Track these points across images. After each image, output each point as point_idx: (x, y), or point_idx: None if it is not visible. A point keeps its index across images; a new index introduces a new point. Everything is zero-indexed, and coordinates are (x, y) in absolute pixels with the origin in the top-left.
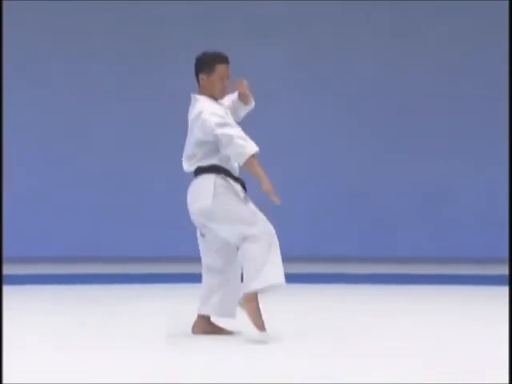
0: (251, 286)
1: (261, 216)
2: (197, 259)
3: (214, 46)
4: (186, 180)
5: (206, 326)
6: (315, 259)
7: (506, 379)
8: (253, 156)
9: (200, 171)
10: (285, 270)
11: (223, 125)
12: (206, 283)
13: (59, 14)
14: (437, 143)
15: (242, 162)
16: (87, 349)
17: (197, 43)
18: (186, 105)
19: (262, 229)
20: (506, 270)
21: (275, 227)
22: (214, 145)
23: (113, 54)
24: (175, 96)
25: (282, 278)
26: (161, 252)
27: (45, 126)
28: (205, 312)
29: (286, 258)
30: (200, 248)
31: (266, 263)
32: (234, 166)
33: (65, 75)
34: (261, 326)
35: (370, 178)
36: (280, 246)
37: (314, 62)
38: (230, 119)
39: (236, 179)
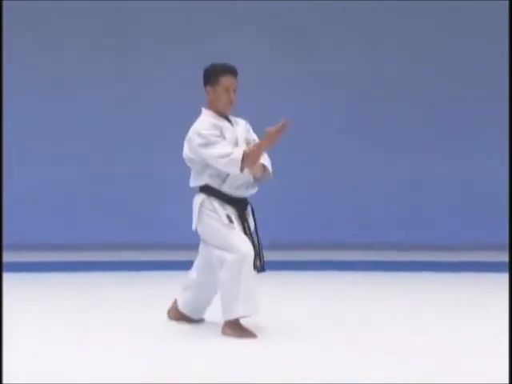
0: (227, 315)
1: (240, 242)
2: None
3: (202, 35)
4: (171, 165)
5: (178, 313)
6: (309, 247)
7: (506, 379)
8: (243, 159)
9: (196, 190)
10: (278, 257)
11: (205, 145)
12: (190, 276)
13: None
14: (431, 138)
15: (239, 171)
16: (78, 341)
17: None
18: (166, 91)
19: (237, 257)
20: (505, 257)
21: (268, 216)
22: (204, 163)
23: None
24: (157, 83)
25: (254, 309)
26: (146, 239)
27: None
28: (178, 302)
29: (280, 246)
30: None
31: (238, 294)
32: (228, 185)
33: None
34: (252, 335)
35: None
36: (278, 236)
37: (300, 57)
38: (215, 134)
39: (230, 200)
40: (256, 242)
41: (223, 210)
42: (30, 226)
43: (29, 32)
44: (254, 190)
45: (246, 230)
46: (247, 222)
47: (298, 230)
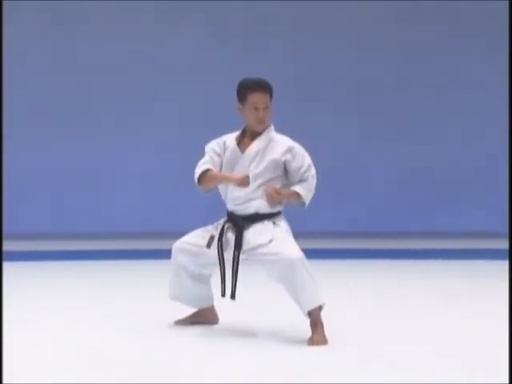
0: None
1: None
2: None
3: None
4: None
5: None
6: None
7: (506, 379)
8: (204, 176)
9: None
10: None
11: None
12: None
13: None
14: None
15: (199, 185)
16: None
17: None
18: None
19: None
20: (505, 244)
21: None
22: None
23: None
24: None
25: None
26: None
27: None
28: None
29: None
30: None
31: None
32: (228, 198)
33: None
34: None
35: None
36: None
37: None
38: (212, 149)
39: (230, 214)
40: (234, 267)
41: (215, 229)
42: None
43: None
44: (256, 208)
45: (234, 256)
46: (239, 248)
47: None
